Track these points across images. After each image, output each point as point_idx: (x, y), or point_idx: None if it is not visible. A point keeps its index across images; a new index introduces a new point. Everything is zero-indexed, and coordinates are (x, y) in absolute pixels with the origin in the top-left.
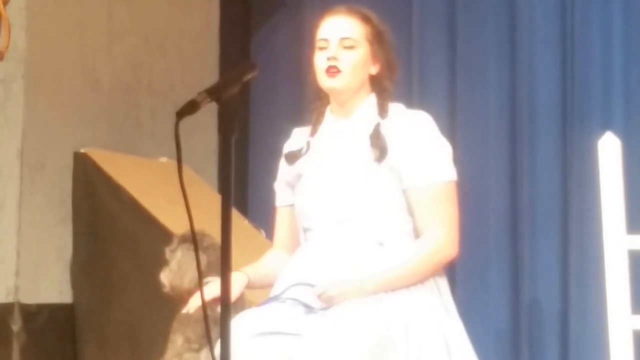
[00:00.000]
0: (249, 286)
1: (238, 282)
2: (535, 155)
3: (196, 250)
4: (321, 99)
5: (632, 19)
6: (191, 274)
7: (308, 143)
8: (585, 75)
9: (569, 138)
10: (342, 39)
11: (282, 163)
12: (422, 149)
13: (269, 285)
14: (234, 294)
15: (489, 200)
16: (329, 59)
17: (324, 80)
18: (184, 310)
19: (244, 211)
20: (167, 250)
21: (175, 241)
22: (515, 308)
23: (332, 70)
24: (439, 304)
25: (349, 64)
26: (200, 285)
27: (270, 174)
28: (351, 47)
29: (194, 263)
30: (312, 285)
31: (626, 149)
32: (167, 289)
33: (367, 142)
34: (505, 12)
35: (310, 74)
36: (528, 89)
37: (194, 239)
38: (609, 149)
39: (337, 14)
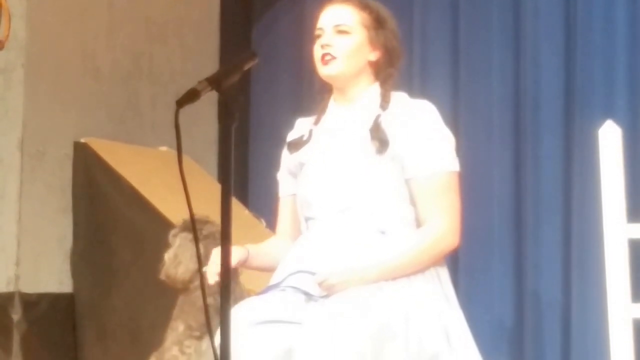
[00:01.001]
0: (248, 262)
1: (237, 253)
2: (538, 145)
3: (196, 240)
4: (328, 91)
5: (636, 8)
6: (185, 265)
7: (310, 131)
8: (588, 65)
9: (572, 127)
10: (336, 25)
11: (285, 152)
12: (425, 139)
13: (266, 267)
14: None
15: (492, 190)
16: (322, 46)
17: (320, 69)
18: (210, 281)
19: (244, 200)
20: (170, 235)
21: (178, 227)
22: (517, 297)
23: (326, 58)
24: (439, 293)
25: (343, 50)
26: (200, 275)
27: (270, 163)
28: (345, 33)
29: (190, 254)
30: (313, 273)
31: (629, 138)
32: (162, 275)
33: (369, 133)
34: (509, 2)
35: (314, 65)
36: (531, 77)
37: (193, 229)
38: (609, 138)
39: (333, 3)
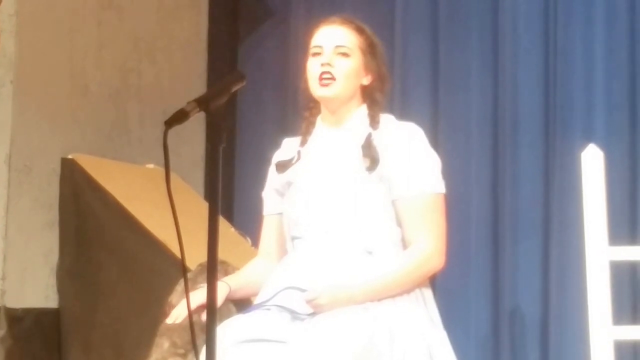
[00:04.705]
0: (230, 296)
1: (219, 292)
2: (517, 165)
3: (182, 253)
4: (311, 108)
5: (615, 30)
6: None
7: (299, 152)
8: (567, 86)
9: (550, 148)
10: (337, 46)
11: (272, 172)
12: (412, 161)
13: (250, 295)
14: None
15: (470, 209)
16: (323, 64)
17: (316, 89)
18: (168, 321)
19: (230, 218)
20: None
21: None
22: (495, 317)
23: (326, 77)
24: (423, 314)
25: (343, 72)
26: (186, 293)
27: (256, 181)
28: (345, 55)
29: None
30: (303, 290)
31: (608, 160)
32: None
33: (358, 152)
34: (488, 23)
35: (302, 81)
36: (510, 98)
37: (180, 243)
38: (592, 161)
39: (332, 23)
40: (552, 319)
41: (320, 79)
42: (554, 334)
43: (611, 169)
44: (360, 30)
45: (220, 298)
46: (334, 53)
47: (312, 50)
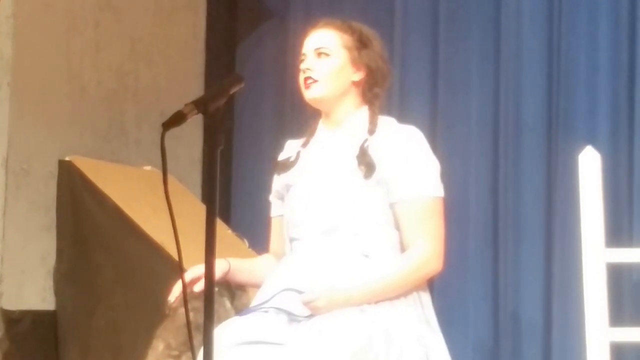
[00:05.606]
0: (229, 275)
1: (218, 265)
2: (518, 167)
3: (179, 252)
4: (318, 115)
5: (619, 32)
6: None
7: (298, 153)
8: (570, 88)
9: (553, 150)
10: (317, 49)
11: (275, 174)
12: (410, 164)
13: (250, 284)
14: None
15: (469, 211)
16: (303, 70)
17: (304, 93)
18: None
19: (227, 220)
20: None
21: None
22: (495, 320)
23: (308, 82)
24: (421, 317)
25: (323, 72)
26: (184, 295)
27: (253, 183)
28: (325, 55)
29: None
30: (300, 292)
31: (611, 163)
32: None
33: (355, 159)
34: (490, 23)
35: (299, 89)
36: (512, 100)
37: (177, 247)
38: (589, 163)
39: (316, 28)
40: (554, 322)
41: (305, 83)
42: (556, 338)
43: (614, 171)
44: (345, 29)
45: (217, 273)
46: (314, 56)
47: (300, 59)
